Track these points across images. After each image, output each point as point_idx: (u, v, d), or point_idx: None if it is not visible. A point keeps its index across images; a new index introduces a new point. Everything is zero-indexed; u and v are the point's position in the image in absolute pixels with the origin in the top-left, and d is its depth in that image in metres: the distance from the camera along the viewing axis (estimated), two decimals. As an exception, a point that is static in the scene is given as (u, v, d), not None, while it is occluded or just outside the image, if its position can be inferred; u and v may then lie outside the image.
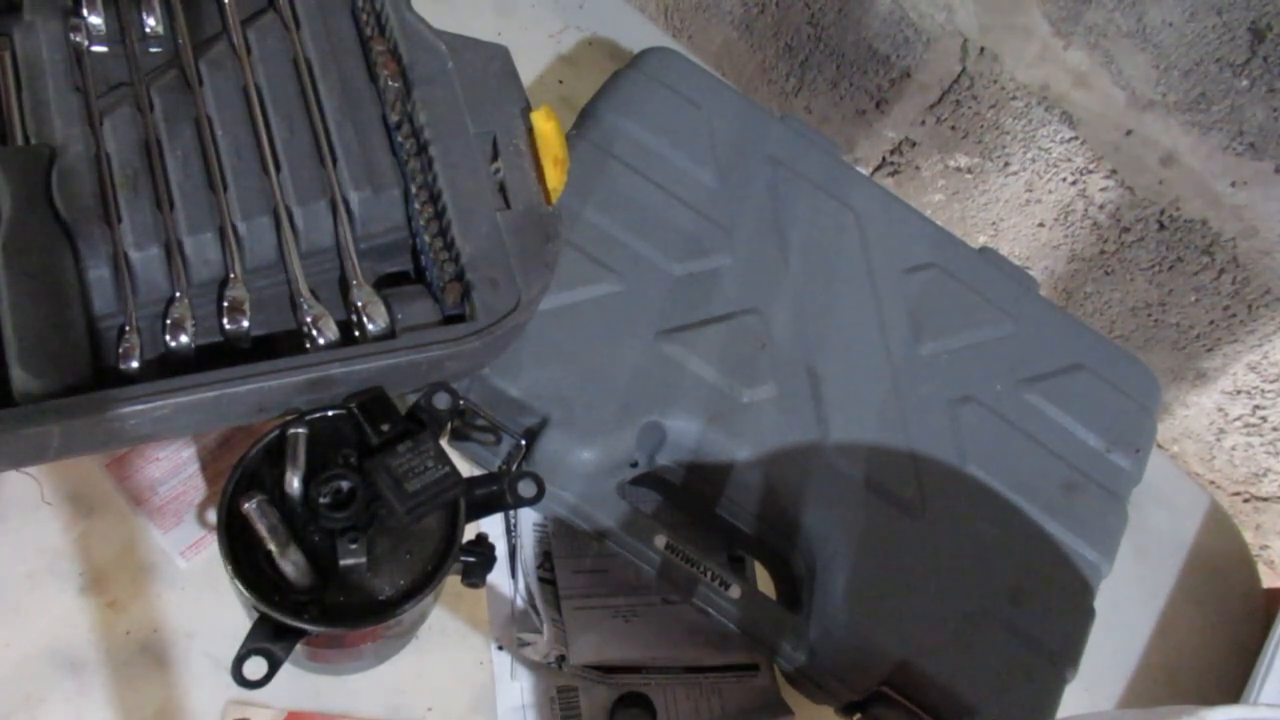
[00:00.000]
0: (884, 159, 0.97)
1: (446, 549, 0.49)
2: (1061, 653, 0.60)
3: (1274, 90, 0.69)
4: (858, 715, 0.59)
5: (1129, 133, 0.78)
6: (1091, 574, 0.63)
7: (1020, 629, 0.59)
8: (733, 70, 1.05)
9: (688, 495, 0.63)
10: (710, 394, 0.60)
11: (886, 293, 0.68)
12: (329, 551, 0.47)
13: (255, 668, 0.46)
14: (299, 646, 0.48)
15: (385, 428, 0.49)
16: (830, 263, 0.68)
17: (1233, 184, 0.75)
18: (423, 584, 0.48)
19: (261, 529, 0.45)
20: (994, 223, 0.93)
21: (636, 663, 0.62)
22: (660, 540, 0.57)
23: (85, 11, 0.57)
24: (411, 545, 0.49)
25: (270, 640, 0.47)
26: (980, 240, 0.94)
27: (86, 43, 0.57)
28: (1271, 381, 0.83)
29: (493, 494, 0.53)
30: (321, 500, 0.47)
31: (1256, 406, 0.85)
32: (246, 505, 0.45)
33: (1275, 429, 0.85)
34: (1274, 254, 0.76)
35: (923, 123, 0.91)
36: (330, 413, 0.50)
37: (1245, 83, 0.70)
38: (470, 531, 0.51)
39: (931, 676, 0.57)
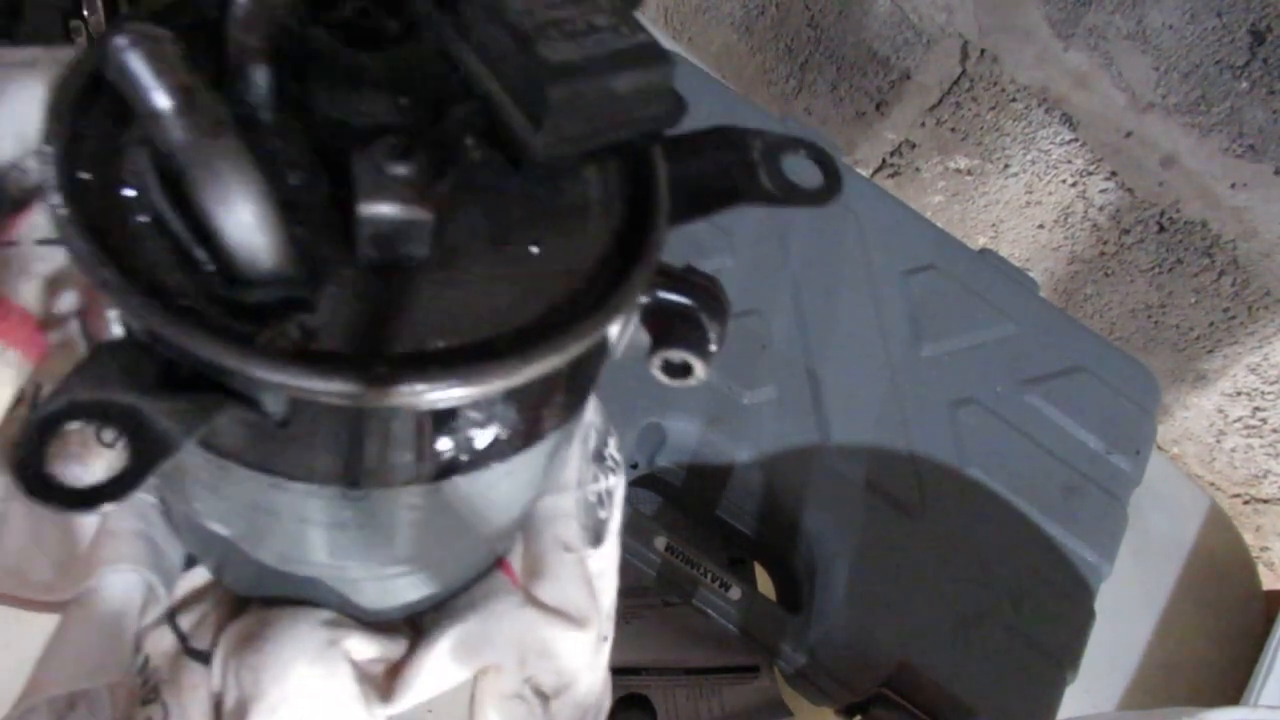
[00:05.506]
0: (884, 160, 0.97)
1: (638, 245, 0.23)
2: (1061, 654, 0.60)
3: (1274, 92, 0.69)
4: (858, 717, 0.59)
5: (1129, 134, 0.78)
6: (1091, 575, 0.63)
7: (1020, 630, 0.59)
8: (732, 72, 1.05)
9: (688, 497, 0.63)
10: (710, 395, 0.60)
11: (886, 294, 0.68)
12: (337, 185, 0.21)
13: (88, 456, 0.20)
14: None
15: None
16: (830, 264, 0.68)
17: (1233, 186, 0.75)
18: (572, 316, 0.22)
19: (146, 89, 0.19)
20: (994, 224, 0.93)
21: (637, 664, 0.62)
22: (660, 542, 0.57)
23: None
24: (542, 227, 0.23)
25: (134, 391, 0.19)
26: (980, 242, 0.94)
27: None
28: (1271, 383, 0.83)
29: (732, 165, 0.25)
30: (319, 30, 0.21)
31: (1256, 408, 0.85)
32: (118, 39, 0.20)
33: (1275, 431, 0.85)
34: (1274, 256, 0.76)
35: (923, 124, 0.91)
36: None
37: (1245, 85, 0.70)
38: (674, 253, 0.23)
39: (931, 677, 0.57)
